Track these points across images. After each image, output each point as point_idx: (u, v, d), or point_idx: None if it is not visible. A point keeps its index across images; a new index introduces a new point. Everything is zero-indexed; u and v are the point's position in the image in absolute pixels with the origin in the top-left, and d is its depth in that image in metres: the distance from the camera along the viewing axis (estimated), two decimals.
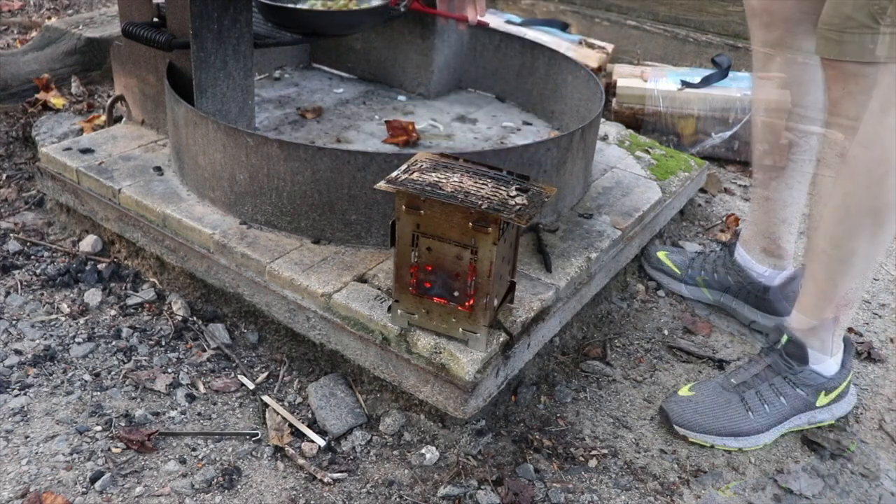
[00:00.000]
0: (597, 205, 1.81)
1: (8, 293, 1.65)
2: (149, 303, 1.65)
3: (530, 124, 2.17)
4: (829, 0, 1.24)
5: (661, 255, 1.87)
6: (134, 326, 1.58)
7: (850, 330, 1.75)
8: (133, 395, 1.43)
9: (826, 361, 1.44)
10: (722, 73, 2.55)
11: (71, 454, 1.29)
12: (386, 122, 2.07)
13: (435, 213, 1.23)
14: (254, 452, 1.33)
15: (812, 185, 1.47)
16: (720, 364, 1.64)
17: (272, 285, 1.49)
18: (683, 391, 1.49)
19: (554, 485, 1.32)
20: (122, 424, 1.35)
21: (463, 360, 1.30)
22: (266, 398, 1.43)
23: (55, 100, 2.28)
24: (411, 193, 1.22)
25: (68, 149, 1.83)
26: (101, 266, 1.72)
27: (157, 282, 1.70)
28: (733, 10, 3.05)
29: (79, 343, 1.53)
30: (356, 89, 2.33)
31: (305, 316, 1.46)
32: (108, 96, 2.33)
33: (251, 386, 1.46)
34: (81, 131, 2.09)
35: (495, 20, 2.92)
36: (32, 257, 1.76)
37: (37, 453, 1.29)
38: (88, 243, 1.78)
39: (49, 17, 3.13)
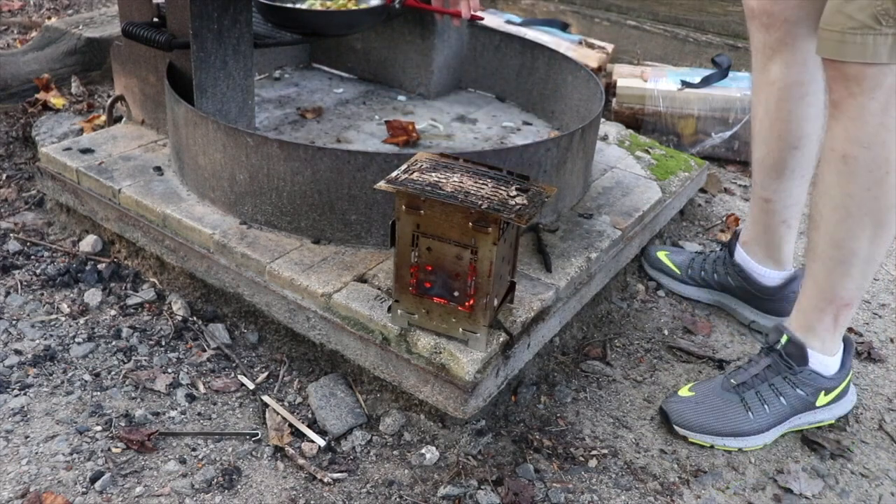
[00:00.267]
0: (597, 205, 1.81)
1: (8, 293, 1.65)
2: (149, 303, 1.65)
3: (530, 124, 2.17)
4: (830, 1, 1.24)
5: (661, 255, 1.87)
6: (134, 326, 1.58)
7: (850, 330, 1.75)
8: (133, 395, 1.43)
9: (826, 361, 1.44)
10: (722, 73, 2.55)
11: (71, 454, 1.29)
12: (386, 122, 2.07)
13: (435, 213, 1.23)
14: (254, 452, 1.33)
15: (812, 186, 1.47)
16: (720, 364, 1.64)
17: (272, 285, 1.49)
18: (683, 391, 1.49)
19: (554, 485, 1.32)
20: (122, 424, 1.35)
21: (463, 360, 1.30)
22: (266, 398, 1.43)
23: (55, 100, 2.28)
24: (411, 193, 1.22)
25: (68, 149, 1.83)
26: (101, 266, 1.72)
27: (157, 282, 1.70)
28: (733, 10, 3.05)
29: (79, 343, 1.53)
30: (356, 89, 2.33)
31: (305, 316, 1.46)
32: (108, 96, 2.33)
33: (251, 386, 1.46)
34: (81, 131, 2.08)
35: (495, 20, 2.91)
36: (32, 257, 1.76)
37: (37, 453, 1.29)
38: (88, 243, 1.78)
39: (49, 17, 3.12)
